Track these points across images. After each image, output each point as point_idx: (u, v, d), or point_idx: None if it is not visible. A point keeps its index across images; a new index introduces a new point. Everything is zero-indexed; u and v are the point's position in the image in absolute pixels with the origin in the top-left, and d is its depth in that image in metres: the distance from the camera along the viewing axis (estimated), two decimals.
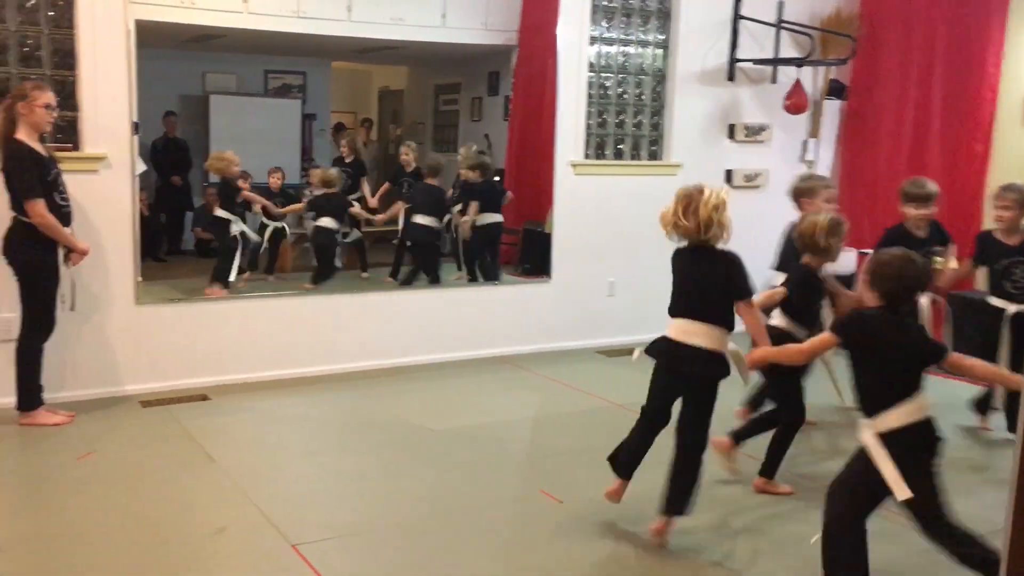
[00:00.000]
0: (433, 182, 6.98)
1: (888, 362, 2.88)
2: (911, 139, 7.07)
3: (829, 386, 5.06)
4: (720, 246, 3.42)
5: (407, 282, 6.78)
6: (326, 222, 7.03)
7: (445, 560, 3.36)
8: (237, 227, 6.49)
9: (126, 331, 5.22)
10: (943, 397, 5.28)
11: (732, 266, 3.41)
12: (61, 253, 4.58)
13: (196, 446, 4.44)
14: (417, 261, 6.90)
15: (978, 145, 6.64)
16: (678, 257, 3.52)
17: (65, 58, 4.92)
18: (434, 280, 6.67)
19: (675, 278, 3.51)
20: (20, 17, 4.81)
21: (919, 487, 2.79)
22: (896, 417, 2.83)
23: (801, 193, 4.83)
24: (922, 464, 2.84)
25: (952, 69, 6.82)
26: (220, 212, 6.55)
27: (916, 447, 2.84)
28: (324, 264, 6.94)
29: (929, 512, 2.85)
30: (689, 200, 3.35)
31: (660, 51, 6.93)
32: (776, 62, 7.11)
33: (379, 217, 7.54)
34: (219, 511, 3.70)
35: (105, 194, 5.04)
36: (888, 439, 2.83)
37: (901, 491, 2.78)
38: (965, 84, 6.72)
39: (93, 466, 4.14)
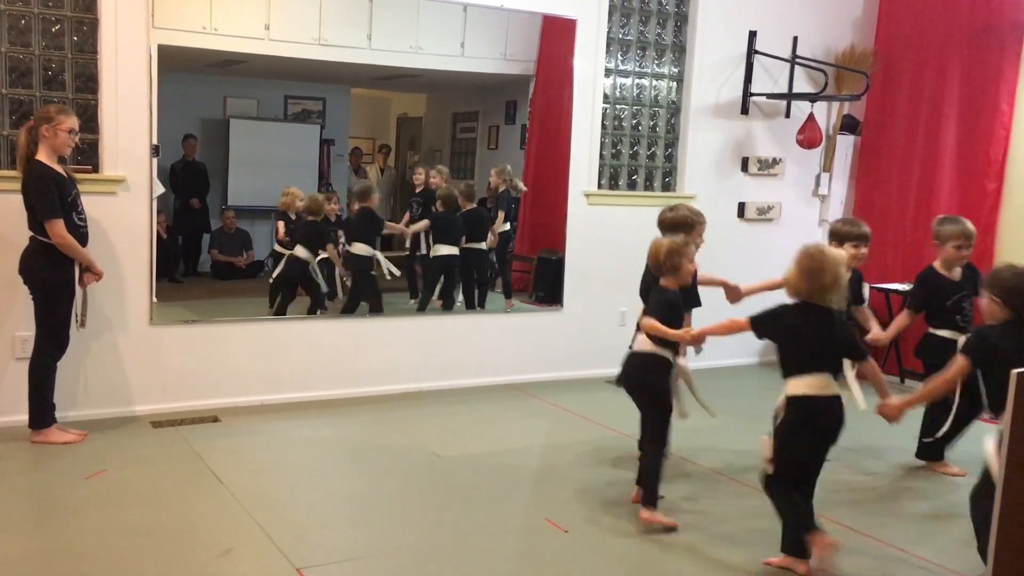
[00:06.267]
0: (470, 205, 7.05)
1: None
2: (924, 175, 7.07)
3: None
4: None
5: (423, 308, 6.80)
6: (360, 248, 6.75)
7: None
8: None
9: (139, 351, 5.27)
10: None
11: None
12: (77, 272, 4.65)
13: (204, 467, 4.47)
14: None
15: (990, 183, 6.64)
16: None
17: (88, 82, 5.01)
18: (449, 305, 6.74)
19: None
20: (44, 41, 4.90)
21: None
22: None
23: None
24: None
25: (965, 107, 6.83)
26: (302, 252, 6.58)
27: None
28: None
29: None
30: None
31: (675, 84, 6.99)
32: (790, 97, 7.15)
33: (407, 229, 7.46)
34: (225, 532, 3.73)
35: (123, 215, 5.12)
36: None
37: None
38: (978, 121, 6.73)
39: (102, 485, 4.18)
